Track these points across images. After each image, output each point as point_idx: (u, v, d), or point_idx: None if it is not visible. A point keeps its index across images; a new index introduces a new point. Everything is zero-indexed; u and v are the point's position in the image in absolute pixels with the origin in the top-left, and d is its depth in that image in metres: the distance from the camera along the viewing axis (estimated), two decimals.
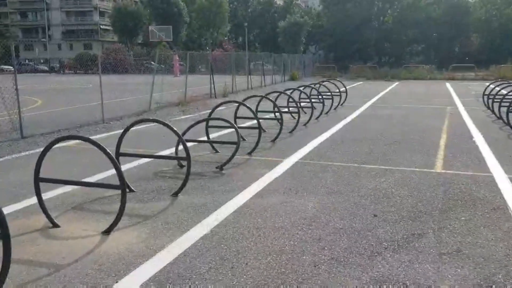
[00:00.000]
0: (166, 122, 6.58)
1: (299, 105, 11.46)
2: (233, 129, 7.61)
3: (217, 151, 8.34)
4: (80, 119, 12.65)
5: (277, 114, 10.25)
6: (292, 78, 35.65)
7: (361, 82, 34.07)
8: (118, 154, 6.26)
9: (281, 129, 9.61)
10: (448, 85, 30.27)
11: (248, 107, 8.94)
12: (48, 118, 13.28)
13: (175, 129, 6.16)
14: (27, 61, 65.24)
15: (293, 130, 10.50)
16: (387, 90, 25.90)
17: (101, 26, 78.69)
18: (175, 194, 5.86)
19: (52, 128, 11.14)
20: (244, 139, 9.00)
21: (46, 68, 63.40)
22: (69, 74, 53.52)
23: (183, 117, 13.78)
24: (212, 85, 20.43)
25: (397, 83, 33.63)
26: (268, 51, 48.18)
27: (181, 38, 59.76)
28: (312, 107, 11.79)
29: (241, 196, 5.76)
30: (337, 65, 47.42)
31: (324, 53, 64.29)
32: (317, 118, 12.28)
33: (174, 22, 55.34)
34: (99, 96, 12.91)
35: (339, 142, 9.28)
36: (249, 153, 8.10)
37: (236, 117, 9.76)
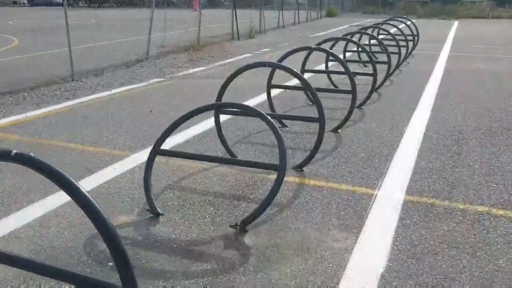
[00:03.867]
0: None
1: (373, 57, 7.63)
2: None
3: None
4: (32, 75, 9.11)
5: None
6: (329, 14, 31.15)
7: (413, 21, 29.32)
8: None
9: (373, 88, 6.32)
10: None
11: (330, 53, 5.80)
12: None
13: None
14: None
15: (376, 89, 6.80)
16: (452, 32, 21.47)
17: None
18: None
19: None
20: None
21: (60, 0, 59.20)
22: (82, 8, 49.31)
23: (190, 71, 10.08)
24: (235, 23, 16.47)
25: (456, 22, 28.83)
26: None
27: None
28: (389, 59, 7.94)
29: None
30: None
31: None
32: (389, 76, 8.39)
33: None
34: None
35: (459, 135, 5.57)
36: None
37: (304, 69, 6.34)
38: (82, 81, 8.71)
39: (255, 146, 5.06)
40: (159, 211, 3.45)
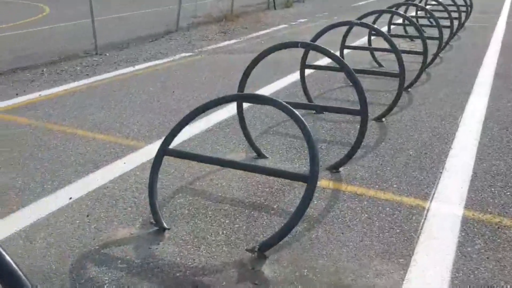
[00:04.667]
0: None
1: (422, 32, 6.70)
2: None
3: None
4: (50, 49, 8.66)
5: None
6: None
7: None
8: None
9: (424, 67, 5.67)
10: None
11: (373, 28, 5.40)
12: None
13: None
14: None
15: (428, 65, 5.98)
16: (509, 2, 19.70)
17: None
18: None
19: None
20: None
21: None
22: None
23: (221, 44, 9.40)
24: None
25: None
26: None
27: None
28: (441, 34, 6.99)
29: None
30: None
31: None
32: (439, 52, 7.42)
33: None
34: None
35: None
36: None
37: (344, 45, 5.70)
38: (106, 55, 8.21)
39: (284, 137, 4.40)
40: (165, 225, 2.88)
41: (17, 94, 5.85)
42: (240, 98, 3.32)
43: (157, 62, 7.74)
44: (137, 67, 7.38)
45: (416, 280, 2.47)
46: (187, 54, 8.39)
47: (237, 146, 4.20)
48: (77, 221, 3.01)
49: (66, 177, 3.61)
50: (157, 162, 2.99)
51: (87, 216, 3.07)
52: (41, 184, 3.50)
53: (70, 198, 3.29)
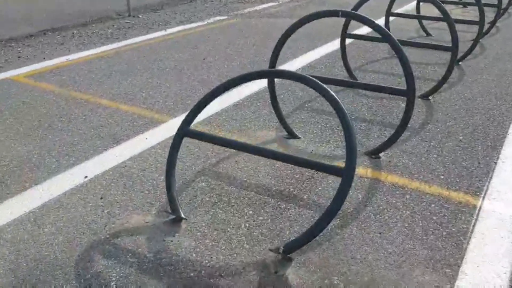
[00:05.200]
0: None
1: None
2: None
3: None
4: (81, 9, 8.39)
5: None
6: None
7: None
8: None
9: (478, 38, 5.00)
10: None
11: None
12: None
13: None
14: None
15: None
16: None
17: None
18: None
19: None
20: None
21: None
22: None
23: (258, 7, 8.90)
24: None
25: None
26: None
27: None
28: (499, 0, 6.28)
29: None
30: None
31: None
32: (496, 21, 6.71)
33: None
34: None
35: None
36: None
37: (390, 12, 5.24)
38: (139, 17, 7.91)
39: (319, 115, 4.02)
40: (182, 215, 2.61)
41: (44, 58, 5.66)
42: (266, 74, 2.95)
43: (190, 25, 7.38)
44: (169, 31, 7.05)
45: None
46: (221, 18, 7.98)
47: (267, 123, 3.85)
48: (90, 204, 2.78)
49: (83, 152, 3.39)
50: (175, 144, 2.69)
51: (101, 198, 2.84)
52: (57, 159, 3.28)
53: (86, 177, 3.06)
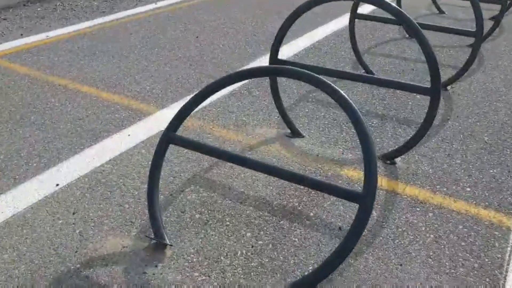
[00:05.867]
0: None
1: None
2: None
3: None
4: None
5: None
6: None
7: None
8: None
9: (501, 17, 4.76)
10: None
11: None
12: None
13: None
14: None
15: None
16: None
17: None
18: None
19: None
20: None
21: None
22: None
23: None
24: None
25: None
26: None
27: None
28: None
29: None
30: None
31: None
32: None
33: None
34: None
35: None
36: None
37: None
38: None
39: (326, 108, 3.58)
40: (167, 241, 2.21)
41: (22, 35, 5.14)
42: (263, 72, 2.48)
43: None
44: (159, 3, 6.50)
45: None
46: None
47: (267, 117, 3.42)
48: (60, 221, 2.37)
49: (57, 152, 2.96)
50: (159, 153, 2.27)
51: (73, 214, 2.43)
52: (26, 161, 2.86)
53: (57, 185, 2.65)
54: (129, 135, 3.17)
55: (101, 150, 2.99)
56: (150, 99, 3.68)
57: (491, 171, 2.84)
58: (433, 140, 3.15)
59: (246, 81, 3.95)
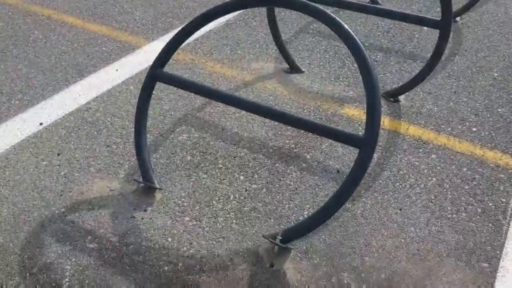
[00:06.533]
0: None
1: None
2: None
3: None
4: None
5: None
6: None
7: None
8: None
9: None
10: None
11: None
12: None
13: None
14: None
15: None
16: None
17: None
18: None
19: None
20: None
21: None
22: None
23: None
24: None
25: None
26: None
27: None
28: None
29: None
30: None
31: None
32: None
33: None
34: None
35: None
36: None
37: None
38: None
39: (327, 40, 3.36)
40: (156, 184, 2.10)
41: None
42: (258, 1, 2.24)
43: None
44: None
45: None
46: None
47: (264, 50, 3.22)
48: (44, 163, 2.26)
49: (41, 89, 2.79)
50: (145, 92, 2.11)
51: (58, 155, 2.31)
52: (8, 98, 2.70)
53: (41, 124, 2.51)
54: (117, 70, 2.99)
55: (87, 87, 2.82)
56: (140, 30, 3.46)
57: (499, 109, 2.69)
58: (439, 77, 2.97)
59: (242, 10, 3.69)
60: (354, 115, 2.62)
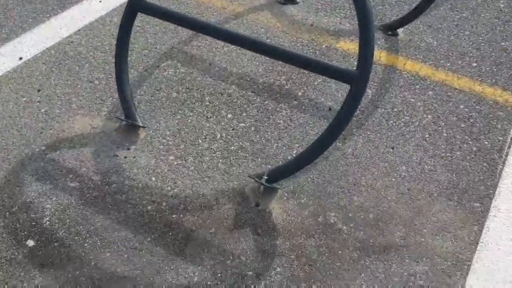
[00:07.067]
0: None
1: None
2: None
3: None
4: None
5: None
6: None
7: None
8: None
9: None
10: None
11: None
12: None
13: None
14: None
15: None
16: None
17: None
18: None
19: None
20: None
21: None
22: None
23: None
24: None
25: None
26: None
27: None
28: None
29: None
30: None
31: None
32: None
33: None
34: None
35: None
36: None
37: None
38: None
39: None
40: (139, 122, 2.02)
41: None
42: None
43: None
44: None
45: (492, 244, 1.66)
46: None
47: None
48: (24, 99, 2.17)
49: (20, 21, 2.64)
50: (125, 24, 1.97)
51: (38, 91, 2.21)
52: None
53: (20, 59, 2.39)
54: (100, 1, 2.82)
55: (69, 19, 2.67)
56: None
57: (503, 43, 2.55)
58: (441, 8, 2.80)
59: None
60: (350, 48, 2.48)
